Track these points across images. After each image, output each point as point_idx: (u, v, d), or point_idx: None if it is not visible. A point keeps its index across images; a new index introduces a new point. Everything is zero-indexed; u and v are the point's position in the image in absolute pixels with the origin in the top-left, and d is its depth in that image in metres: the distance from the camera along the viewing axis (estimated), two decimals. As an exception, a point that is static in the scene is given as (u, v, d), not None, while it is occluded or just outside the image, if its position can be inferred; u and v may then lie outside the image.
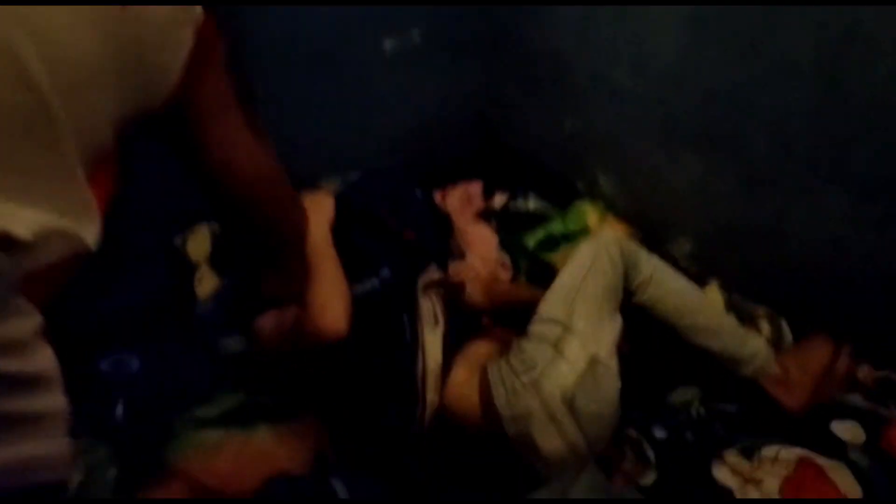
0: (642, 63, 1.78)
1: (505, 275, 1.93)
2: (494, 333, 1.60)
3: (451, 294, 1.58)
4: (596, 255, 1.48)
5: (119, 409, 1.59)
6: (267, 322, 1.48)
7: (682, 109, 1.73)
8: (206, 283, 1.84)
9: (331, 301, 1.32)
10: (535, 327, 1.40)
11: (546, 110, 2.16)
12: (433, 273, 1.60)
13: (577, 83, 2.00)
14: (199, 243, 1.92)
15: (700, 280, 1.82)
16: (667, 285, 1.53)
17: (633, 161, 1.96)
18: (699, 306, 1.55)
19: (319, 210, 1.48)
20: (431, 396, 1.37)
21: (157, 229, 1.95)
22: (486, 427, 1.34)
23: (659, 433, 1.51)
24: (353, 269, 1.50)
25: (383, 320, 1.44)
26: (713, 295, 1.81)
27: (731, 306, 1.78)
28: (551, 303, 1.43)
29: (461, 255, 1.97)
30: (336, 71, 2.03)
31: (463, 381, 1.38)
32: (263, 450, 1.50)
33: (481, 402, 1.34)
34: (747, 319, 1.73)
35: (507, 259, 1.97)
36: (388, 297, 1.49)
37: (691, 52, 1.64)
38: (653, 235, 1.95)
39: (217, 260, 1.86)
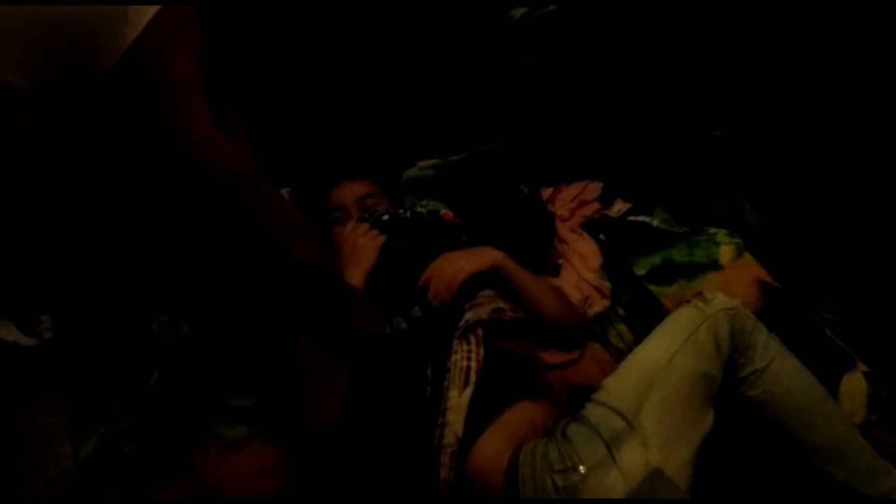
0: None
1: (601, 304, 1.63)
2: (546, 389, 1.34)
3: (502, 332, 1.33)
4: (697, 326, 1.16)
5: (155, 377, 1.52)
6: None
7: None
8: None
9: (321, 393, 1.21)
10: (592, 410, 1.12)
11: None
12: (485, 305, 1.34)
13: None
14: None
15: (845, 361, 1.45)
16: (787, 382, 1.18)
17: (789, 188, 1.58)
18: (825, 419, 1.19)
19: (355, 263, 1.35)
20: (444, 474, 1.15)
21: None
22: None
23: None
24: (385, 305, 1.33)
25: (404, 369, 1.24)
26: (855, 384, 1.42)
27: (874, 403, 1.40)
28: (619, 384, 1.14)
29: (555, 270, 1.70)
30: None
31: (490, 456, 1.15)
32: (278, 461, 1.38)
33: (504, 487, 1.10)
34: (893, 427, 1.35)
35: (607, 285, 1.67)
36: (414, 341, 1.28)
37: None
38: (795, 290, 1.57)
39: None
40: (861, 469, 1.16)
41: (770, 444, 1.20)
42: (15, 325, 1.49)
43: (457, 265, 1.37)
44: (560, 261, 1.73)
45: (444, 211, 1.55)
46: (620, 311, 1.65)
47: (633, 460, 1.04)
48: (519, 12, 1.90)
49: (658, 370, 1.12)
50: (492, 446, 1.16)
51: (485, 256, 1.41)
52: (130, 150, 1.17)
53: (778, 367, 1.18)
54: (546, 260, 1.74)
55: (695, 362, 1.13)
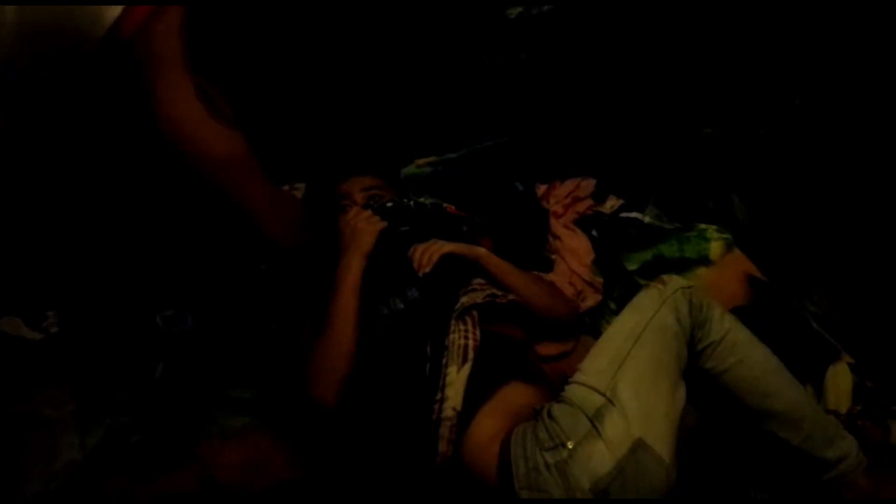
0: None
1: (593, 298, 1.67)
2: (540, 374, 1.38)
3: (497, 318, 1.36)
4: (659, 306, 1.21)
5: (159, 369, 1.55)
6: None
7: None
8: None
9: (325, 368, 1.26)
10: (572, 391, 1.17)
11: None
12: (479, 291, 1.38)
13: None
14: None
15: (831, 353, 1.50)
16: (741, 352, 1.23)
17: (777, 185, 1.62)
18: (780, 386, 1.24)
19: (355, 245, 1.38)
20: (443, 447, 1.19)
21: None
22: (502, 496, 1.15)
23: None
24: (381, 286, 1.36)
25: (403, 347, 1.29)
26: (840, 376, 1.47)
27: (858, 394, 1.44)
28: (593, 365, 1.19)
29: (548, 265, 1.73)
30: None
31: (485, 438, 1.19)
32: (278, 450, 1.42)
33: (499, 469, 1.14)
34: (878, 417, 1.40)
35: (599, 280, 1.71)
36: (412, 320, 1.32)
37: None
38: (783, 284, 1.61)
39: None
40: (816, 433, 1.22)
41: (728, 414, 1.26)
42: (21, 320, 1.52)
43: (439, 243, 1.43)
44: (553, 256, 1.77)
45: (446, 205, 1.59)
46: (612, 306, 1.69)
47: (617, 432, 1.08)
48: (514, 11, 1.94)
49: (628, 348, 1.16)
50: (489, 424, 1.20)
51: (468, 246, 1.47)
52: (126, 136, 1.20)
53: (733, 339, 1.23)
54: (540, 255, 1.78)
55: (661, 339, 1.18)
